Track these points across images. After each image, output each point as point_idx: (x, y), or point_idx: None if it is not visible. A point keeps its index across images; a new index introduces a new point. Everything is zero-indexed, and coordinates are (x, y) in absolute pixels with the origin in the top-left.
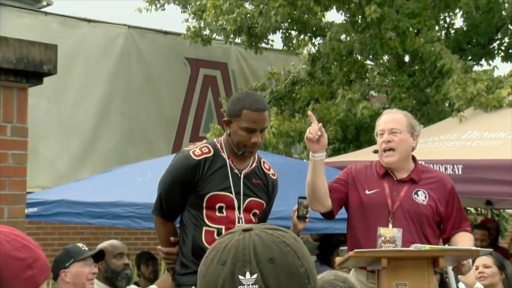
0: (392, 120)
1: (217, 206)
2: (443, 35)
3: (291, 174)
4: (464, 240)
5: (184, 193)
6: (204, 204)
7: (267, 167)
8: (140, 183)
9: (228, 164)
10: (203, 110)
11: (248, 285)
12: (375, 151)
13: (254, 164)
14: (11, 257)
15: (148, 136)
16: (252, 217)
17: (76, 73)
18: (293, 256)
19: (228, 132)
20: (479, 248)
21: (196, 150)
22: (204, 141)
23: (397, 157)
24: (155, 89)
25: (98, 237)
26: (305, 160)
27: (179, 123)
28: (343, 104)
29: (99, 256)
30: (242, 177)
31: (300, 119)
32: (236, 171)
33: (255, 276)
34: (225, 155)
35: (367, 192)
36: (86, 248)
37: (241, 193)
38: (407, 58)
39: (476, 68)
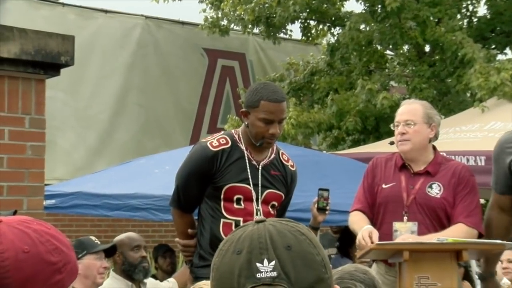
0: (407, 111)
1: (235, 198)
2: (465, 23)
3: (310, 165)
4: (451, 233)
5: (201, 185)
6: (222, 196)
7: (286, 159)
8: (157, 175)
9: (246, 155)
10: (221, 101)
11: (267, 272)
12: (391, 143)
13: (273, 156)
14: (43, 260)
15: (165, 127)
16: (271, 209)
17: (92, 65)
18: (309, 245)
19: (246, 123)
20: (504, 242)
21: (214, 141)
22: (222, 132)
23: (410, 146)
24: (172, 80)
25: (115, 229)
26: (324, 152)
27: (197, 115)
28: (362, 94)
29: (111, 251)
30: (260, 168)
31: (319, 109)
32: (254, 162)
33: (273, 263)
34: (243, 147)
35: (383, 186)
36: (99, 242)
37: (259, 185)
38: (427, 48)
39: (500, 57)
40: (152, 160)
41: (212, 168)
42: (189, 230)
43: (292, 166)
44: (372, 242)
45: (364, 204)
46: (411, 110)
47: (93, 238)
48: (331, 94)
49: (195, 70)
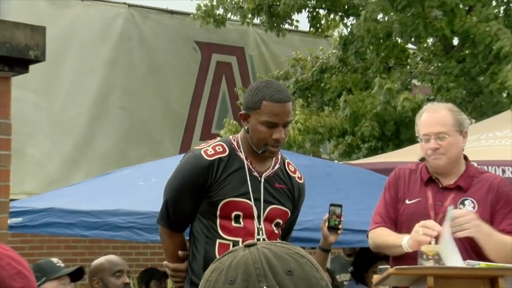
0: (437, 122)
1: (233, 214)
2: (501, 12)
3: (320, 177)
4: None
5: (194, 199)
6: (218, 213)
7: (292, 170)
8: (142, 188)
9: (246, 165)
10: (216, 103)
11: None
12: (422, 159)
13: (277, 166)
14: (5, 286)
15: (152, 133)
16: (274, 228)
17: (68, 61)
18: (311, 268)
19: (246, 128)
20: None
21: (209, 149)
22: (218, 138)
23: (445, 161)
24: (160, 79)
25: (93, 251)
26: (336, 161)
27: (188, 119)
28: (380, 95)
29: (77, 275)
30: (262, 181)
31: (330, 112)
32: (255, 173)
33: None
34: (242, 155)
35: (407, 202)
36: (62, 264)
37: (262, 200)
38: (455, 41)
39: None
40: (137, 171)
41: (206, 180)
42: (180, 252)
43: (300, 178)
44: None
45: (387, 220)
46: (440, 119)
47: (54, 260)
48: (344, 95)
49: (186, 67)
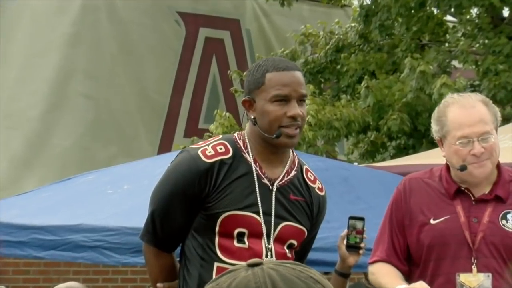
0: (478, 120)
1: (235, 232)
2: None
3: (336, 184)
4: None
5: (188, 211)
6: (217, 229)
7: (312, 178)
8: (112, 197)
9: (254, 170)
10: (204, 90)
11: None
12: (462, 168)
13: (293, 173)
14: None
15: (123, 128)
16: (287, 251)
17: (18, 38)
18: None
19: (253, 118)
20: None
21: (208, 149)
22: (220, 136)
23: (491, 167)
24: (133, 60)
25: (50, 277)
26: (355, 164)
27: (169, 110)
28: (411, 80)
29: None
30: (274, 190)
31: (348, 102)
32: (265, 181)
33: None
34: (250, 158)
35: (432, 221)
36: None
37: (273, 214)
38: (506, 12)
39: None
40: (105, 176)
41: (204, 187)
42: (166, 285)
43: (321, 190)
44: None
45: (390, 253)
46: (482, 116)
47: None
48: (365, 80)
49: (166, 45)
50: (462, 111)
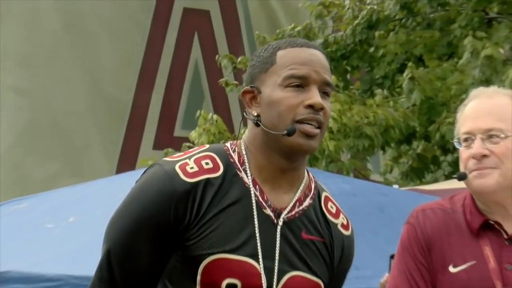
0: (487, 112)
1: (224, 283)
2: None
3: (367, 214)
4: None
5: (158, 250)
6: (199, 278)
7: (334, 210)
8: (52, 233)
9: (252, 195)
10: (182, 83)
11: None
12: (461, 176)
13: (308, 201)
14: None
15: (69, 136)
16: None
17: None
18: None
19: (256, 115)
20: None
21: (189, 164)
22: (206, 146)
23: (498, 179)
24: (84, 42)
25: None
26: (395, 186)
27: (133, 110)
28: (474, 68)
29: None
30: (280, 224)
31: (385, 99)
32: (268, 211)
33: None
34: (247, 177)
35: (452, 269)
36: None
37: (276, 260)
38: None
39: None
40: (43, 204)
41: (182, 218)
42: None
43: (346, 227)
44: None
45: None
46: (493, 109)
47: None
48: (409, 68)
49: (129, 19)
50: (477, 102)
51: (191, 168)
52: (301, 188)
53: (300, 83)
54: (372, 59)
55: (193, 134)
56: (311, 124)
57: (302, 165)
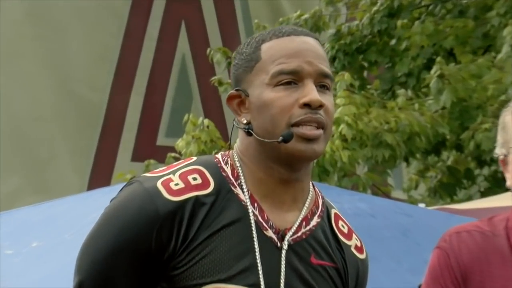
0: None
1: None
2: None
3: (388, 238)
4: None
5: (139, 280)
6: None
7: (346, 230)
8: (12, 262)
9: (251, 214)
10: (166, 82)
11: None
12: None
13: (315, 220)
14: None
15: (32, 146)
16: None
17: None
18: None
19: (246, 122)
20: None
21: (174, 179)
22: (194, 159)
23: None
24: (51, 35)
25: None
26: (421, 205)
27: (108, 115)
28: None
29: None
30: (285, 248)
31: (408, 101)
32: (270, 233)
33: None
34: (244, 194)
35: None
36: None
37: None
38: None
39: None
40: (1, 226)
41: (167, 243)
42: None
43: (360, 250)
44: None
45: None
46: None
47: None
48: (437, 63)
49: (105, 10)
50: None
51: (176, 184)
52: (307, 204)
53: (292, 79)
54: (393, 53)
55: (179, 143)
56: (310, 126)
57: (306, 176)
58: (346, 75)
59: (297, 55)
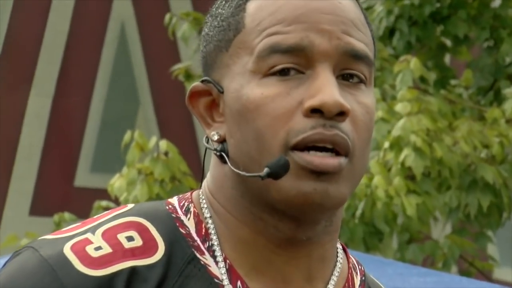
0: None
1: None
2: None
3: None
4: None
5: None
6: None
7: None
8: None
9: None
10: (94, 73)
11: None
12: None
13: None
14: None
15: None
16: None
17: None
18: None
19: (217, 140)
20: None
21: (94, 242)
22: (128, 206)
23: None
24: None
25: None
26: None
27: None
28: None
29: None
30: None
31: (479, 113)
32: None
33: None
34: (216, 264)
35: None
36: None
37: None
38: None
39: None
40: None
41: None
42: None
43: None
44: None
45: None
46: None
47: None
48: None
49: None
50: None
51: (98, 249)
52: (333, 283)
53: (293, 64)
54: (497, 23)
55: (114, 183)
56: (321, 149)
57: (328, 234)
58: (414, 62)
59: (304, 18)
